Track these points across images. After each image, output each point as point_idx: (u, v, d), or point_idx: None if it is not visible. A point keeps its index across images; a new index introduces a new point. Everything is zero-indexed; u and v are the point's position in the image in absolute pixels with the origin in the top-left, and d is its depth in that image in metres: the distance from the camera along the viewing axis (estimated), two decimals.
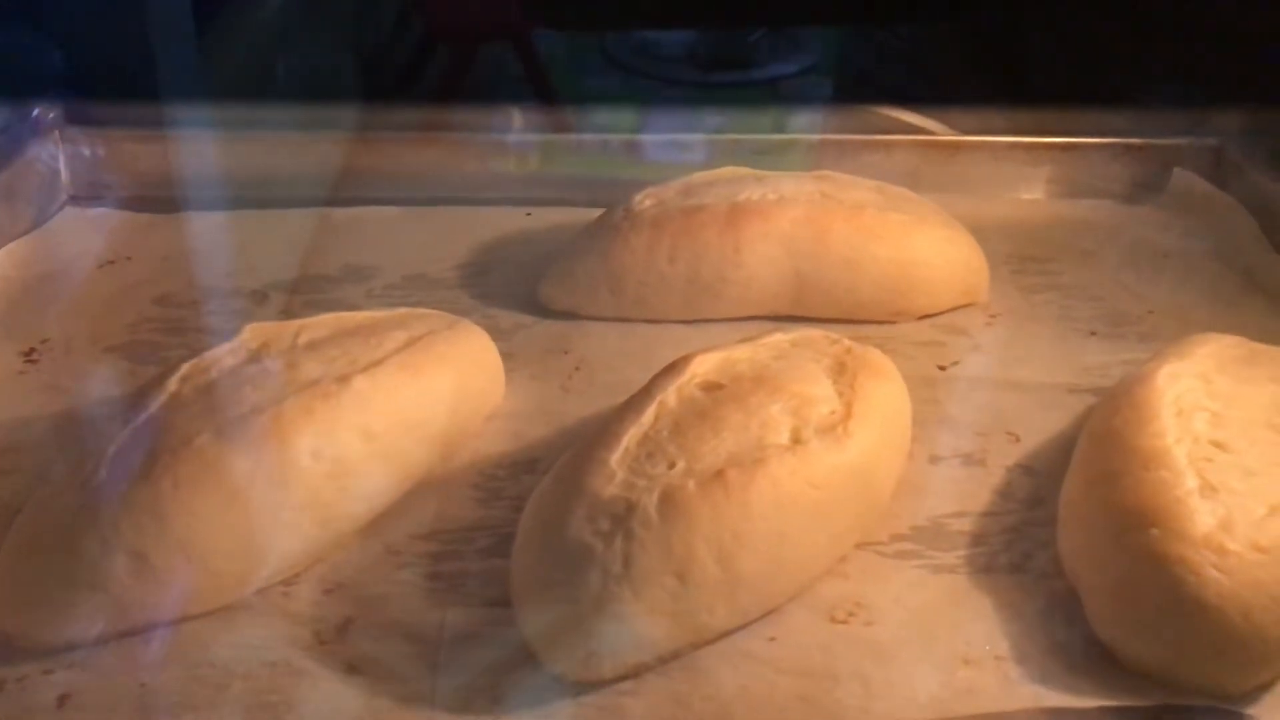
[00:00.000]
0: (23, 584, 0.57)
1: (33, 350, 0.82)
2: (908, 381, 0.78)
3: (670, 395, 0.64)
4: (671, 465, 0.59)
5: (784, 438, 0.61)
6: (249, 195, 1.02)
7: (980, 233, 0.97)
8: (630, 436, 0.60)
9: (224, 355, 0.64)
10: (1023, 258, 0.98)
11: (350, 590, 0.61)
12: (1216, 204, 1.04)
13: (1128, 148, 1.10)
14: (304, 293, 0.90)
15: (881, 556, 0.65)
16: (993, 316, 0.90)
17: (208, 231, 0.99)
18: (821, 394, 0.65)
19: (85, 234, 0.98)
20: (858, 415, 0.63)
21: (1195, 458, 0.60)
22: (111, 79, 1.16)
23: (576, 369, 0.82)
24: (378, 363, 0.65)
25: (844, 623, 0.59)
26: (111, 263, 0.94)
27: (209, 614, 0.58)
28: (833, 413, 0.64)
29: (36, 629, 0.56)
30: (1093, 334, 0.88)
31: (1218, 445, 0.62)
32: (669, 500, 0.56)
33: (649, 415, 0.62)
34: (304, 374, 0.63)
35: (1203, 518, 0.56)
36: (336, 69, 1.62)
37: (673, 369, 0.66)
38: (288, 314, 0.86)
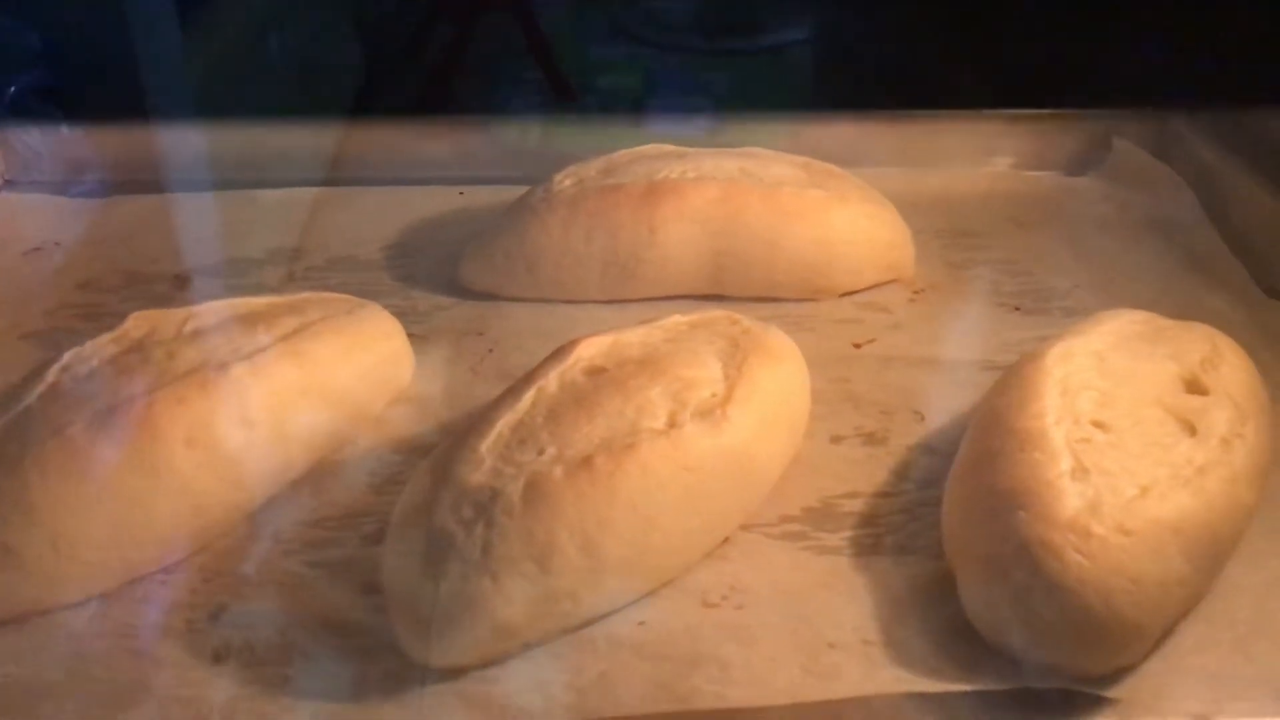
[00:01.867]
0: None
1: None
2: (821, 360, 0.78)
3: (551, 380, 0.63)
4: (541, 452, 0.59)
5: (660, 422, 0.61)
6: (181, 179, 1.02)
7: (915, 207, 0.96)
8: (504, 423, 0.60)
9: (106, 344, 0.65)
10: (955, 232, 0.98)
11: (229, 578, 0.61)
12: (1156, 176, 1.02)
13: (1071, 118, 1.09)
14: (227, 276, 0.90)
15: (767, 538, 0.64)
16: (917, 293, 0.89)
17: (137, 216, 0.99)
18: (706, 377, 0.65)
19: (16, 219, 0.99)
20: (739, 398, 0.63)
21: (1073, 439, 0.60)
22: (90, 61, 1.16)
23: (489, 351, 0.82)
24: (261, 350, 0.65)
25: (716, 606, 0.59)
26: (38, 249, 0.94)
27: (81, 604, 0.58)
28: (713, 395, 0.63)
29: None
30: (1017, 309, 0.87)
31: (1099, 425, 0.61)
32: (533, 487, 0.56)
33: (526, 401, 0.62)
34: (183, 362, 0.63)
35: (1070, 500, 0.56)
36: (336, 44, 1.61)
37: (559, 353, 0.66)
38: (208, 297, 0.85)
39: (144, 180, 1.02)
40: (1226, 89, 1.01)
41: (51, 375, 0.62)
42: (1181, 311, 0.77)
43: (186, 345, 0.65)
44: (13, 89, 1.08)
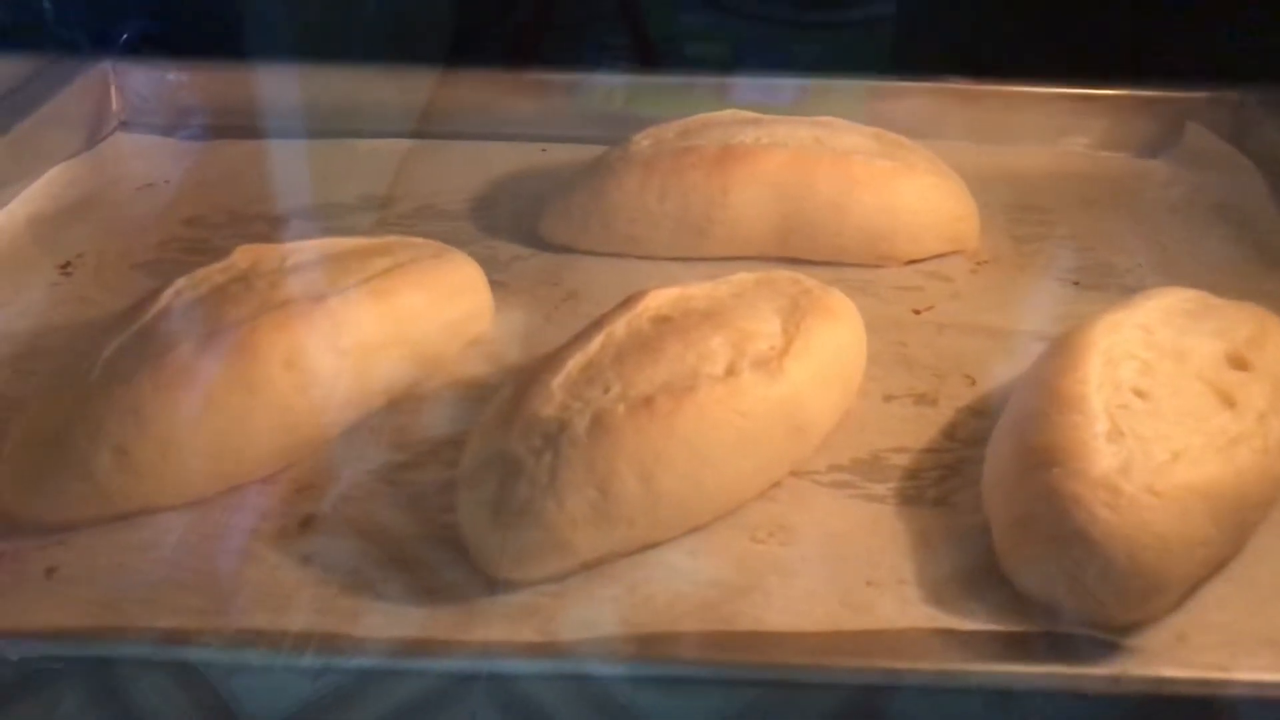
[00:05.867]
0: (24, 471, 0.63)
1: (68, 264, 0.89)
2: (880, 323, 0.81)
3: (620, 326, 0.68)
4: (607, 390, 0.63)
5: (719, 369, 0.65)
6: (287, 126, 1.08)
7: (985, 181, 0.99)
8: (574, 362, 0.65)
9: (214, 273, 0.70)
10: (1022, 207, 1.00)
11: (318, 491, 0.67)
12: (1228, 160, 1.04)
13: (1145, 101, 1.10)
14: (322, 219, 0.96)
15: (816, 485, 0.68)
16: (979, 264, 0.92)
17: (245, 159, 1.06)
18: (765, 330, 0.69)
19: (130, 158, 1.06)
20: (795, 352, 0.67)
21: (1112, 404, 0.62)
22: (198, 9, 1.21)
23: (564, 300, 0.86)
24: (355, 285, 0.71)
25: (763, 542, 0.64)
26: (150, 185, 1.01)
27: (186, 506, 0.64)
28: (771, 348, 0.67)
29: (34, 510, 0.62)
30: (1076, 285, 0.90)
31: (1139, 393, 0.64)
32: (598, 421, 0.61)
33: (596, 343, 0.66)
34: (283, 293, 0.69)
35: (1104, 459, 0.59)
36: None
37: (628, 302, 0.70)
38: (302, 237, 0.91)
39: (245, 126, 1.08)
40: None
41: (165, 299, 0.68)
42: (1239, 293, 0.79)
43: (287, 278, 0.70)
44: (125, 36, 1.15)
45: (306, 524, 0.64)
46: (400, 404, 0.73)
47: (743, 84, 1.14)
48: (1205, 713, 0.56)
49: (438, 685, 0.58)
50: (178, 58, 1.13)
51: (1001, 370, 0.78)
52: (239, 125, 1.08)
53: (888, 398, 0.76)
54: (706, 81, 1.11)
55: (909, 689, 0.55)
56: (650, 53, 1.60)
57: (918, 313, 0.86)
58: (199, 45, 1.14)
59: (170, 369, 0.64)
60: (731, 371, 0.65)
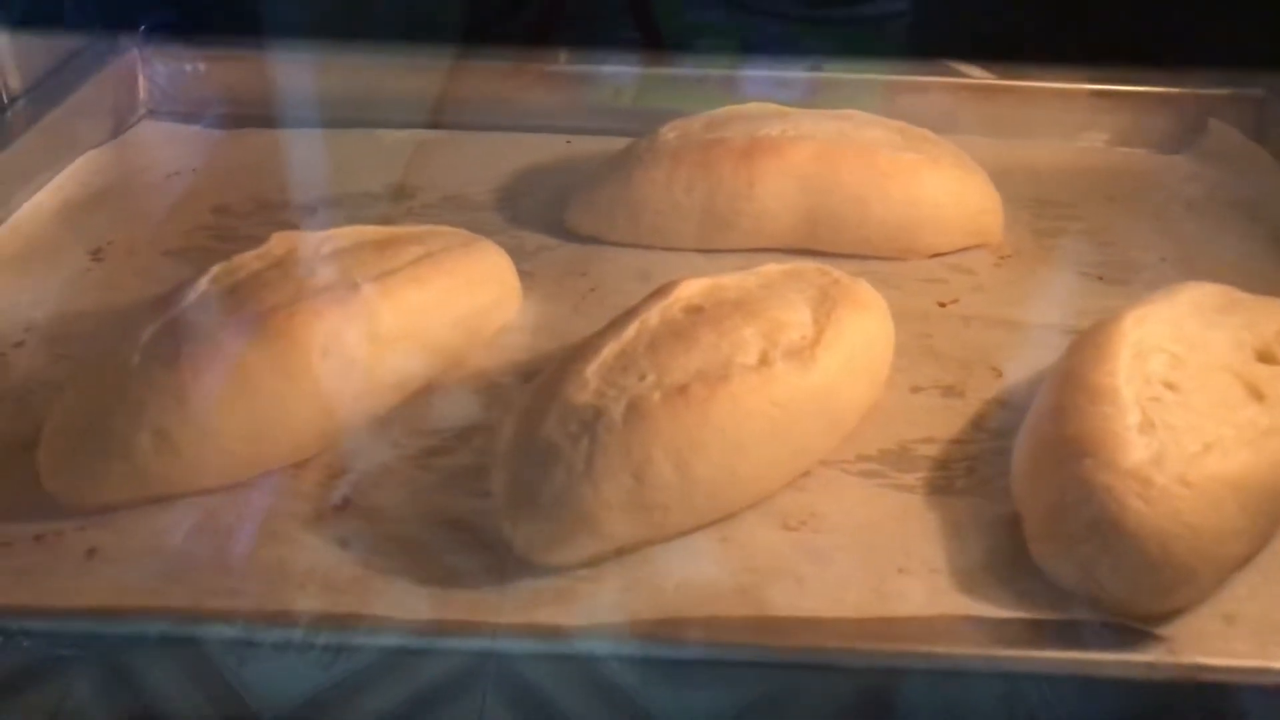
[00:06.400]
0: (64, 452, 0.64)
1: (99, 250, 0.90)
2: (905, 316, 0.82)
3: (653, 315, 0.68)
4: (642, 378, 0.64)
5: (752, 358, 0.66)
6: (311, 116, 1.08)
7: (1006, 176, 0.99)
8: (609, 350, 0.66)
9: (251, 260, 0.71)
10: (1044, 202, 1.00)
11: (352, 475, 0.67)
12: (1250, 157, 1.04)
13: (1167, 97, 1.10)
14: (349, 208, 0.97)
15: (844, 474, 0.69)
16: (1002, 258, 0.93)
17: (270, 148, 1.06)
18: (797, 321, 0.69)
19: (158, 146, 1.06)
20: (826, 342, 0.68)
21: (1142, 396, 0.63)
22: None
23: (591, 290, 0.87)
24: (389, 273, 0.71)
25: (795, 530, 0.64)
26: (178, 174, 1.02)
27: (223, 489, 0.65)
28: (803, 338, 0.68)
29: (74, 492, 0.63)
30: (1099, 279, 0.90)
31: (1169, 386, 0.64)
32: (634, 408, 0.62)
33: (630, 332, 0.67)
34: (320, 280, 0.69)
35: (1136, 451, 0.60)
36: None
37: (660, 291, 0.71)
38: (330, 226, 0.92)
39: (272, 115, 1.09)
40: None
41: (203, 285, 0.69)
42: (1262, 289, 0.80)
43: (324, 264, 0.71)
44: (143, 27, 1.15)
45: (341, 508, 0.65)
46: (432, 390, 0.74)
47: (763, 78, 1.14)
48: (1234, 701, 0.57)
49: (466, 667, 0.59)
50: (203, 48, 1.13)
51: (1028, 362, 0.79)
52: (265, 114, 1.09)
53: (915, 389, 0.77)
54: (726, 75, 1.11)
55: (942, 674, 0.55)
56: (659, 48, 1.60)
57: (943, 305, 0.86)
58: (218, 30, 1.14)
59: (210, 353, 0.64)
60: (764, 361, 0.65)
